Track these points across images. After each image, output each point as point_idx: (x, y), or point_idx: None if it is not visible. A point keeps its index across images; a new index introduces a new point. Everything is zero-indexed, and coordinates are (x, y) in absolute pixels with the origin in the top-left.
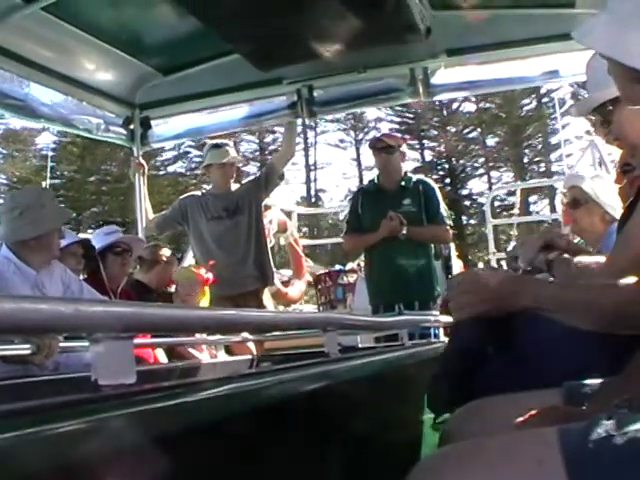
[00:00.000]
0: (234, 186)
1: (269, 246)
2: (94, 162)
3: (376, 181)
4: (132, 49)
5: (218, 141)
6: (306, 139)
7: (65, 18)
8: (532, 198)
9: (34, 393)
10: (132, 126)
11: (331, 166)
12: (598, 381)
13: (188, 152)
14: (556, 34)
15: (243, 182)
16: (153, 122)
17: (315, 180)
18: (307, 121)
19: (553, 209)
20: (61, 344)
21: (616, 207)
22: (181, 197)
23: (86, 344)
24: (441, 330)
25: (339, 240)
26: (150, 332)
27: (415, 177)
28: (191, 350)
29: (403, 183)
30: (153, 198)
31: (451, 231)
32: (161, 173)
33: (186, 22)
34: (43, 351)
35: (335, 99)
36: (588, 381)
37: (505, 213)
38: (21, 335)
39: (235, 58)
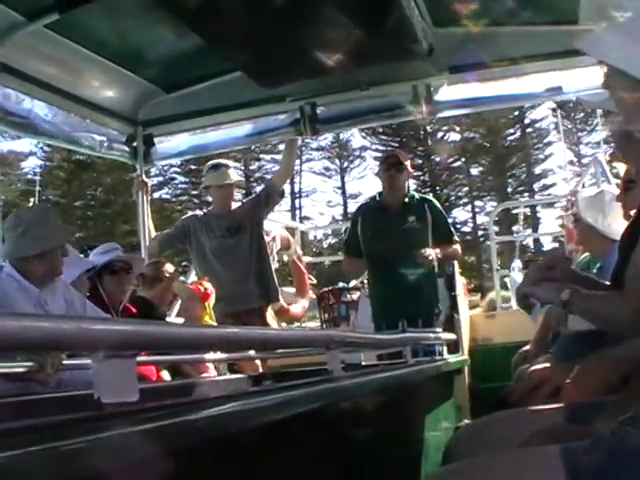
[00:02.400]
0: (234, 205)
1: (272, 263)
2: (80, 187)
3: (378, 198)
4: (135, 67)
5: (217, 161)
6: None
7: (68, 35)
8: (515, 227)
9: (37, 411)
10: (135, 143)
11: (316, 194)
12: (601, 399)
13: (174, 178)
14: (559, 50)
15: (244, 201)
16: (156, 139)
17: (300, 208)
18: (310, 138)
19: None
20: (64, 361)
21: (611, 223)
22: (183, 217)
23: (87, 361)
24: (444, 348)
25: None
26: (153, 350)
27: (418, 195)
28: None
29: (407, 200)
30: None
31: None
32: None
33: (189, 40)
34: (46, 369)
35: (338, 116)
36: (593, 400)
37: (489, 242)
38: (24, 352)
39: (238, 76)
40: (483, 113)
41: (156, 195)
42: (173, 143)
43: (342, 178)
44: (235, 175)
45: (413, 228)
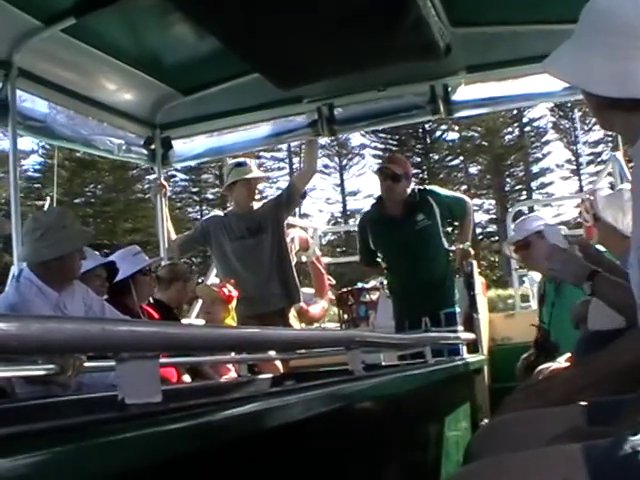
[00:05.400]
0: (256, 205)
1: (293, 264)
2: (82, 185)
3: (382, 208)
4: (152, 70)
5: (240, 160)
6: (291, 165)
7: (85, 40)
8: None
9: (62, 412)
10: (153, 146)
11: (315, 191)
12: (620, 397)
13: (173, 175)
14: None
15: (265, 201)
16: (174, 142)
17: (299, 205)
18: (327, 139)
19: None
20: (85, 364)
21: (631, 222)
22: (204, 218)
23: (109, 364)
24: (464, 347)
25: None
26: (176, 351)
27: (417, 189)
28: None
29: (410, 200)
30: (140, 222)
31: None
32: (147, 197)
33: (206, 42)
34: (67, 371)
35: (356, 117)
36: (612, 398)
37: (486, 240)
38: (48, 355)
39: (255, 77)
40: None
41: None
42: (191, 145)
43: (341, 176)
44: (258, 171)
45: (425, 227)
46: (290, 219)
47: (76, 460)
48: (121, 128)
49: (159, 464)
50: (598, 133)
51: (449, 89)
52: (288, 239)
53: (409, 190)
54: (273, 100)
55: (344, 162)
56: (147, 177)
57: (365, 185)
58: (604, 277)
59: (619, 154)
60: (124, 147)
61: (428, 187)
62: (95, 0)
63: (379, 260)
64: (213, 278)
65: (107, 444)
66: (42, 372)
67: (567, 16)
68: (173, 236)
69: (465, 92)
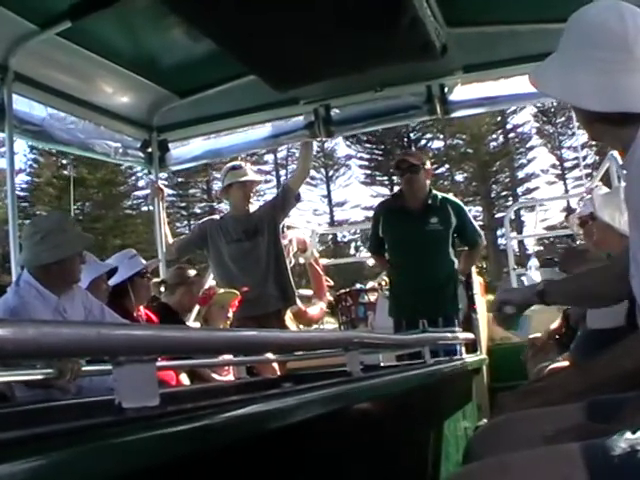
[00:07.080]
0: (252, 208)
1: (289, 266)
2: (70, 202)
3: (400, 199)
4: (149, 72)
5: (236, 163)
6: (278, 177)
7: (81, 43)
8: (500, 231)
9: (59, 417)
10: (150, 149)
11: (302, 203)
12: (621, 396)
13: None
14: None
15: (261, 204)
16: (171, 145)
17: (294, 207)
18: (324, 140)
19: None
20: (84, 368)
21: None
22: (201, 221)
23: (107, 367)
24: (463, 347)
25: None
26: (172, 354)
27: (440, 195)
28: (214, 375)
29: (429, 201)
30: (129, 237)
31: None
32: (134, 213)
33: (202, 45)
34: (66, 375)
35: (352, 118)
36: (611, 396)
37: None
38: (44, 359)
39: (251, 79)
40: (466, 120)
41: (144, 209)
42: (188, 148)
43: (328, 187)
44: (254, 174)
45: (435, 230)
46: (288, 221)
47: (72, 464)
48: (118, 131)
49: (156, 467)
50: (582, 137)
51: (446, 89)
52: (286, 241)
53: (429, 182)
54: (270, 102)
55: (330, 173)
56: (134, 193)
57: (352, 196)
58: (552, 281)
59: (616, 152)
60: (121, 150)
61: (452, 198)
62: (91, 3)
63: (385, 253)
64: (210, 281)
65: (103, 448)
66: (40, 376)
67: (562, 15)
68: (170, 239)
69: (462, 92)
